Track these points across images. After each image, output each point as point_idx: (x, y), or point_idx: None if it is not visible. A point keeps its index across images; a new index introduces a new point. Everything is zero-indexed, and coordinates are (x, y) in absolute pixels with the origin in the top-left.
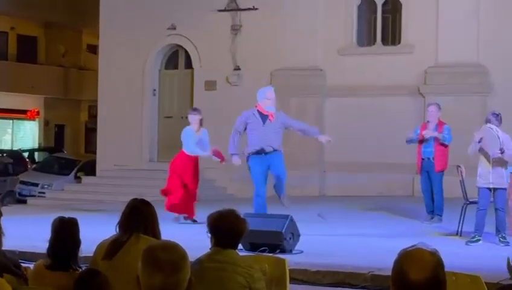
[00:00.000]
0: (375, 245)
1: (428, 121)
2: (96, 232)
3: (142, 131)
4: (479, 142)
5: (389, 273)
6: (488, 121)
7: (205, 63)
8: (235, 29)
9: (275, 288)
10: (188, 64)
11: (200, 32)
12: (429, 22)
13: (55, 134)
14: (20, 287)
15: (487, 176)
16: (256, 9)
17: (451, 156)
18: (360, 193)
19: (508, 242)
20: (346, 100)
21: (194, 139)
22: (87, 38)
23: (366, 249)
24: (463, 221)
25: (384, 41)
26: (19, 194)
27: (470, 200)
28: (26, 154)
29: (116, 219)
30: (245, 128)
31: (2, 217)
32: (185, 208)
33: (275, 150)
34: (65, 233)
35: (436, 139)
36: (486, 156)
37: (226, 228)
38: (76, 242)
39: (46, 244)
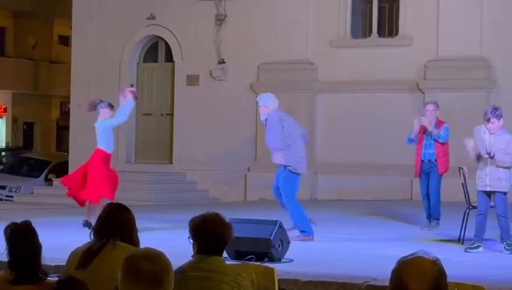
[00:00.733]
0: (371, 253)
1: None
2: (68, 238)
3: (118, 130)
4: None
5: (386, 283)
6: (487, 119)
7: (187, 55)
8: (220, 19)
9: None
10: (169, 57)
11: (182, 22)
12: (429, 12)
13: (24, 132)
14: None
15: (484, 178)
16: None
17: (452, 157)
18: (355, 197)
19: None
20: (339, 96)
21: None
22: (59, 29)
23: (361, 258)
24: (465, 227)
25: (381, 33)
26: None
27: (473, 204)
28: None
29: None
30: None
31: None
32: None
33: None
34: (22, 241)
35: (436, 139)
36: (481, 158)
37: (210, 234)
38: (36, 248)
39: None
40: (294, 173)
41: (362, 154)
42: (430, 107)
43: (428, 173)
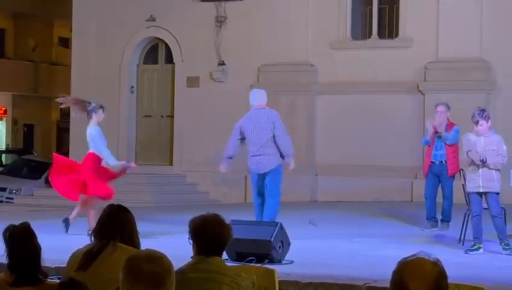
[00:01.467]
0: (372, 254)
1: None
2: (68, 240)
3: (119, 131)
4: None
5: (387, 284)
6: (475, 122)
7: (187, 57)
8: (220, 21)
9: None
10: (169, 59)
11: (182, 24)
12: (429, 13)
13: (24, 134)
14: None
15: (476, 179)
16: None
17: None
18: (355, 199)
19: None
20: (340, 98)
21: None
22: (59, 31)
23: (362, 259)
24: (465, 228)
25: (381, 34)
26: None
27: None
28: None
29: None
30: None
31: None
32: None
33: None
34: (21, 243)
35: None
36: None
37: (209, 234)
38: (35, 249)
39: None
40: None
41: (362, 156)
42: (440, 108)
43: (438, 175)
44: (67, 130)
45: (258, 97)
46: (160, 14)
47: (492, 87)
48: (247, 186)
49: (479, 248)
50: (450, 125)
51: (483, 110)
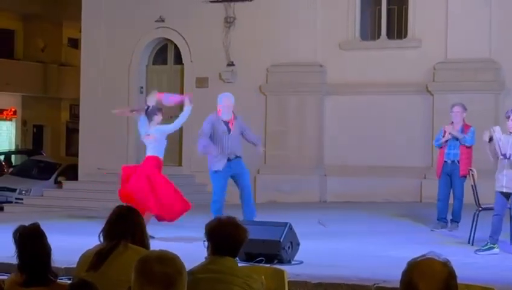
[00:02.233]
0: (381, 255)
1: (452, 122)
2: (78, 241)
3: (128, 132)
4: (489, 141)
5: (396, 285)
6: (507, 116)
7: (196, 58)
8: (229, 21)
9: None
10: (178, 60)
11: (191, 25)
12: (438, 14)
13: (34, 135)
14: None
15: (501, 179)
16: (251, 0)
17: None
18: (364, 199)
19: None
20: (348, 98)
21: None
22: (68, 32)
23: (371, 259)
24: (475, 229)
25: (390, 35)
26: None
27: (483, 206)
28: (2, 157)
29: (100, 226)
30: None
31: None
32: None
33: (237, 157)
34: (31, 244)
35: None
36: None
37: (224, 234)
38: (45, 250)
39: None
40: None
41: (371, 157)
42: (456, 109)
43: (450, 175)
44: (77, 130)
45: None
46: (170, 15)
47: (502, 88)
48: (256, 187)
49: (491, 247)
50: (465, 127)
51: None
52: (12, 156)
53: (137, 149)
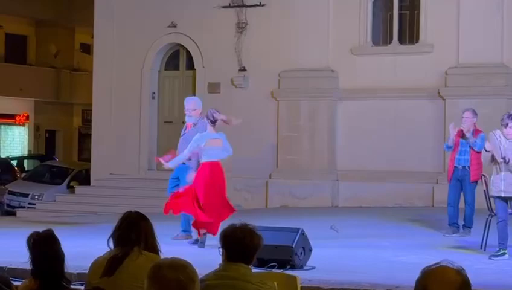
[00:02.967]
0: (393, 260)
1: (461, 130)
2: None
3: (141, 137)
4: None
5: None
6: (504, 124)
7: (208, 63)
8: (241, 27)
9: None
10: (190, 65)
11: (203, 30)
12: (449, 19)
13: (46, 140)
14: None
15: (498, 183)
16: (263, 5)
17: None
18: (376, 204)
19: None
20: (360, 103)
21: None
22: (81, 37)
23: (384, 265)
24: (487, 234)
25: (401, 40)
26: (7, 205)
27: (495, 211)
28: (14, 163)
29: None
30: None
31: None
32: None
33: (183, 163)
34: (44, 250)
35: (472, 147)
36: (497, 162)
37: (238, 241)
38: (59, 256)
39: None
40: None
41: (383, 161)
42: (467, 114)
43: (460, 181)
44: (89, 135)
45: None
46: (182, 20)
47: None
48: (268, 192)
49: (504, 253)
50: (476, 132)
51: (510, 114)
52: (25, 161)
53: (149, 154)
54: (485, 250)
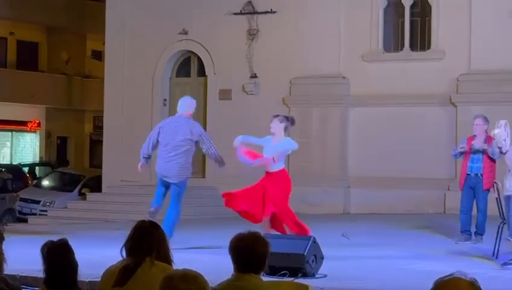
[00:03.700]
0: (405, 267)
1: (475, 135)
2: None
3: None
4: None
5: None
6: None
7: (219, 70)
8: (252, 34)
9: None
10: (201, 72)
11: (214, 37)
12: (461, 25)
13: (58, 147)
14: None
15: (506, 183)
16: (274, 12)
17: None
18: (387, 211)
19: None
20: (372, 110)
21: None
22: (92, 44)
23: (395, 272)
24: (499, 241)
25: (413, 46)
26: (19, 212)
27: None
28: (26, 169)
29: (123, 239)
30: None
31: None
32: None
33: None
34: (58, 259)
35: (485, 154)
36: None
37: (244, 250)
38: (73, 266)
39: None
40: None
41: (395, 168)
42: (478, 121)
43: (473, 188)
44: (100, 142)
45: (186, 106)
46: (193, 27)
47: None
48: None
49: None
50: (488, 139)
51: None
52: (37, 168)
53: None
54: (497, 257)
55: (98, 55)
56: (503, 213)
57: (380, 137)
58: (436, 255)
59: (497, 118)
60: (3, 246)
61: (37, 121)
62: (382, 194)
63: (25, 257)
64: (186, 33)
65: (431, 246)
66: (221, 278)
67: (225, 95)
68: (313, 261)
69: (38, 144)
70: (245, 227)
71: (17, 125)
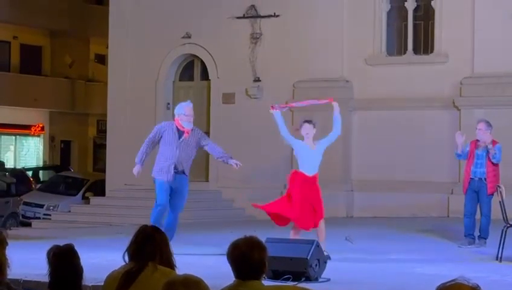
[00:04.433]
0: (408, 271)
1: (477, 140)
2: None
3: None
4: None
5: None
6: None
7: (223, 74)
8: (255, 37)
9: None
10: (204, 76)
11: (217, 41)
12: (464, 29)
13: (61, 151)
14: None
15: None
16: (277, 16)
17: None
18: (391, 214)
19: None
20: (375, 114)
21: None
22: (95, 48)
23: (398, 276)
24: (503, 245)
25: (416, 50)
26: (23, 216)
27: (511, 222)
28: (30, 173)
29: (126, 243)
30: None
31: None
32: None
33: (183, 172)
34: (64, 264)
35: (488, 158)
36: None
37: (239, 259)
38: (78, 271)
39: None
40: None
41: (398, 171)
42: (481, 125)
43: (476, 192)
44: (104, 146)
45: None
46: (196, 31)
47: None
48: None
49: None
50: (493, 143)
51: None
52: (40, 172)
53: None
54: (501, 261)
55: (102, 59)
56: (506, 217)
57: (383, 140)
58: (440, 259)
59: (501, 121)
60: (7, 251)
61: (41, 125)
62: (385, 198)
63: (28, 261)
64: (190, 37)
65: (434, 250)
66: (225, 283)
67: (228, 98)
68: (316, 265)
69: (41, 148)
70: (247, 230)
71: (21, 129)
